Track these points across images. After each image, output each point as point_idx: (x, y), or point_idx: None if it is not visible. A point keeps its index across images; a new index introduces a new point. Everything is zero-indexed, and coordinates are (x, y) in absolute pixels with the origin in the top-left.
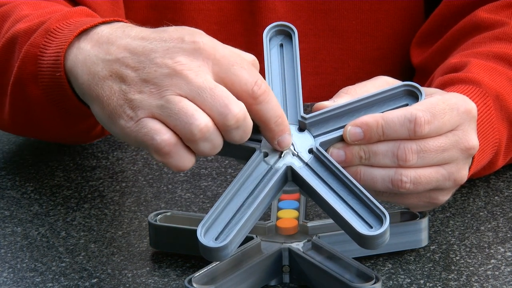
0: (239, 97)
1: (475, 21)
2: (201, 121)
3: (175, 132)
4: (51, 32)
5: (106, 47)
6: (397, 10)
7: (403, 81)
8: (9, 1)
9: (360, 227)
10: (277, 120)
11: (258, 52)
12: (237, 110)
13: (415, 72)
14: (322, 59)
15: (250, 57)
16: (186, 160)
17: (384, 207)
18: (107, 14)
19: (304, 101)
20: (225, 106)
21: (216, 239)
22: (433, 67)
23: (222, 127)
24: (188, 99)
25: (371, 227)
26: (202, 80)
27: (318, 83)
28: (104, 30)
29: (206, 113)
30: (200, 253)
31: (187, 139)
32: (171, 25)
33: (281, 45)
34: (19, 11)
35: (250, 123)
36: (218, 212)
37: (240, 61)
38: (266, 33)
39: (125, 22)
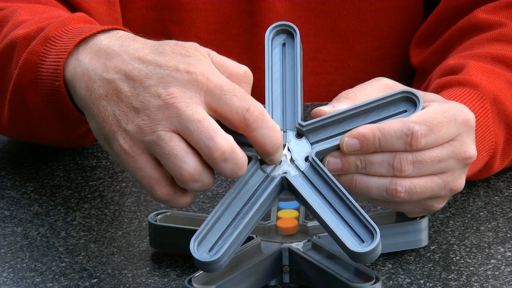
0: (233, 126)
1: (474, 21)
2: (190, 164)
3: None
4: (50, 39)
5: (104, 62)
6: (396, 10)
7: (402, 82)
8: (7, 6)
9: (351, 243)
10: (273, 146)
11: (257, 52)
12: (223, 142)
13: (416, 73)
14: (321, 59)
15: (242, 70)
16: (182, 202)
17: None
18: (103, 17)
19: (303, 101)
20: (211, 139)
21: (210, 250)
22: (432, 67)
23: (209, 160)
24: (178, 133)
25: (363, 241)
26: (192, 112)
27: (317, 83)
28: (103, 41)
29: (193, 146)
30: (195, 264)
31: (177, 180)
32: (167, 37)
33: (284, 45)
34: (17, 16)
35: (240, 157)
36: (213, 222)
37: (232, 89)
38: (268, 33)
39: (124, 31)
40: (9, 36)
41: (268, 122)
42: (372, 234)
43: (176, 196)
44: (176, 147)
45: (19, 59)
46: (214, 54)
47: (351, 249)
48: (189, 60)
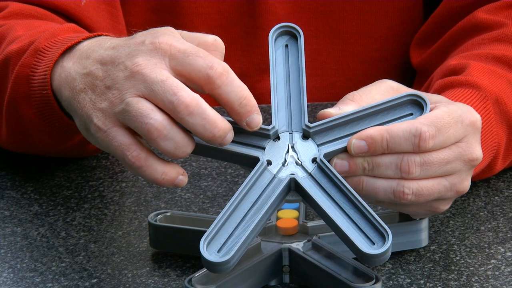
0: (198, 85)
1: (474, 22)
2: (156, 119)
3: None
4: (40, 51)
5: (83, 62)
6: (396, 11)
7: (403, 83)
8: (5, 23)
9: (363, 245)
10: (241, 102)
11: (258, 54)
12: (186, 95)
13: (416, 73)
14: (322, 61)
15: (211, 38)
16: (158, 171)
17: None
18: (107, 30)
19: None
20: (173, 94)
21: (219, 251)
22: (432, 68)
23: (175, 116)
24: (145, 98)
25: (373, 243)
26: (155, 75)
27: (318, 84)
28: (84, 46)
29: (159, 107)
30: (203, 265)
31: (147, 139)
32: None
33: (286, 46)
34: (13, 32)
35: (209, 112)
36: (222, 223)
37: (196, 51)
38: (272, 34)
39: (106, 36)
40: (4, 52)
41: (233, 80)
42: (382, 236)
43: (149, 162)
44: (143, 107)
45: (12, 73)
46: (185, 32)
47: (363, 251)
48: (155, 35)
